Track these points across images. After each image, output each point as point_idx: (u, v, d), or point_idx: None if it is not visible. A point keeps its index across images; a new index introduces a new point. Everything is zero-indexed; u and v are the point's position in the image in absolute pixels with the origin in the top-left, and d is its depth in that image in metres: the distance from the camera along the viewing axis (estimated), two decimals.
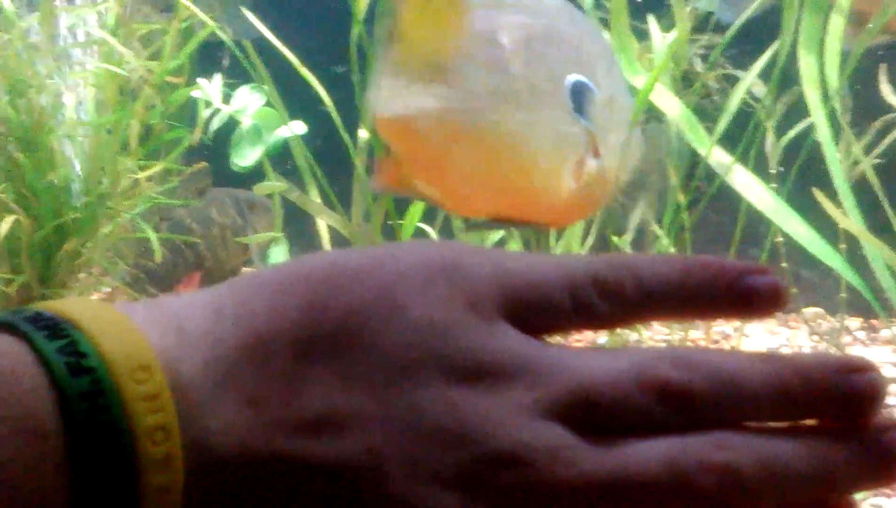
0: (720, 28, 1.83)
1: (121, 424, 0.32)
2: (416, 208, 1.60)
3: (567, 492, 0.34)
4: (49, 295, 1.58)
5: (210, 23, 1.55)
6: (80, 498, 0.32)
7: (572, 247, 1.72)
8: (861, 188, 1.66)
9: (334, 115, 1.54)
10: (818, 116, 1.60)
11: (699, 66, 1.82)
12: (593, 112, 1.17)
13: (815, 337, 1.95)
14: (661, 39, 1.72)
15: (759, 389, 0.35)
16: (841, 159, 1.64)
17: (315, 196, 1.69)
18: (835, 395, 0.36)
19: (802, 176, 1.64)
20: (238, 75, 1.73)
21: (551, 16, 1.20)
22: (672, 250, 1.63)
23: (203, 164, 1.76)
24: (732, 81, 1.78)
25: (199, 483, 0.33)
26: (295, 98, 1.69)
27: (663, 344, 1.84)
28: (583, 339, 1.71)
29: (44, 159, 1.55)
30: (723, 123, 1.64)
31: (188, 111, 1.72)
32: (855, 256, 1.66)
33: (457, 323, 0.35)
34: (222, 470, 0.34)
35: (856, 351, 1.92)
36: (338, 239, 1.69)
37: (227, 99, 1.69)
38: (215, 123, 1.65)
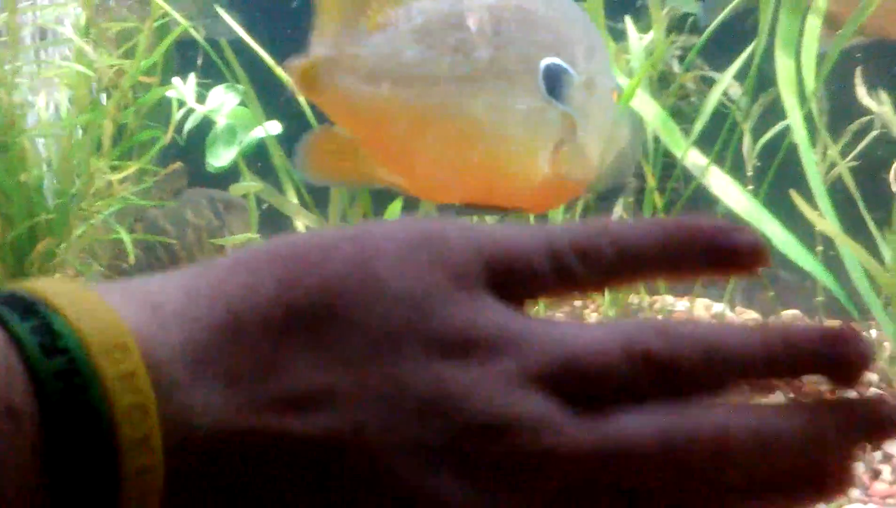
0: (697, 29, 1.83)
1: (98, 404, 0.32)
2: (395, 207, 1.59)
3: (555, 462, 0.33)
4: None
5: (183, 22, 1.53)
6: (58, 480, 0.32)
7: None
8: (837, 190, 1.66)
9: (309, 114, 1.53)
10: (795, 118, 1.60)
11: (676, 67, 1.81)
12: (570, 95, 1.16)
13: None
14: (637, 41, 1.72)
15: (745, 358, 0.35)
16: (817, 162, 1.64)
17: (292, 197, 1.69)
18: (821, 363, 0.35)
19: (779, 178, 1.64)
20: (214, 75, 1.72)
21: None
22: None
23: (178, 164, 1.74)
24: (710, 82, 1.78)
25: (179, 463, 0.33)
26: (271, 97, 1.68)
27: None
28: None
29: (15, 159, 1.53)
30: (699, 125, 1.64)
31: (163, 111, 1.70)
32: (831, 258, 1.67)
33: (438, 295, 0.35)
34: (202, 449, 0.33)
35: None
36: None
37: (202, 99, 1.68)
38: (189, 124, 1.64)
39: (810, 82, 1.63)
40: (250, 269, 0.35)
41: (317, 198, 1.64)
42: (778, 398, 0.37)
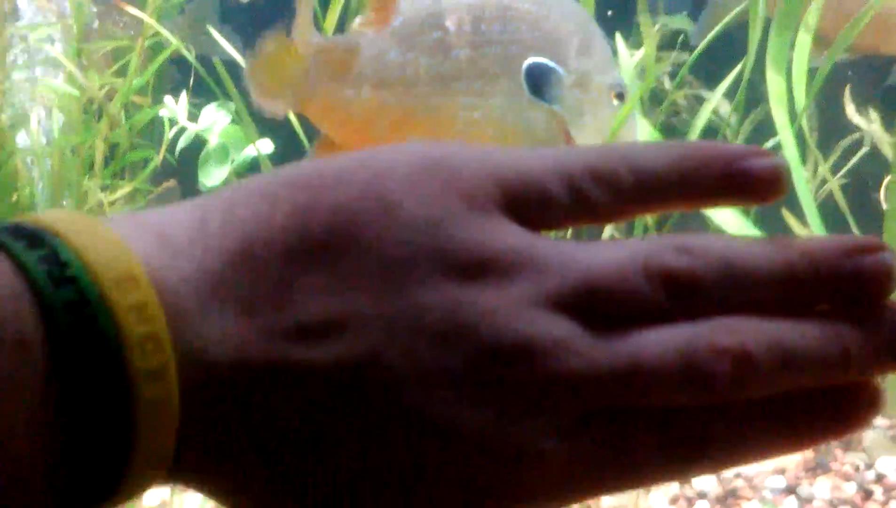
0: (688, 46, 1.84)
1: (109, 335, 0.31)
2: None
3: (575, 385, 0.33)
4: None
5: (174, 41, 1.54)
6: (70, 412, 0.31)
7: None
8: (827, 207, 1.66)
9: (301, 133, 1.53)
10: (785, 135, 1.60)
11: (667, 83, 1.82)
12: (559, 94, 1.15)
13: None
14: (628, 57, 1.72)
15: (766, 272, 0.34)
16: (808, 179, 1.65)
17: None
18: (844, 276, 0.34)
19: None
20: (207, 93, 1.72)
21: None
22: None
23: (171, 182, 1.75)
24: (702, 99, 1.79)
25: (195, 395, 0.32)
26: (264, 115, 1.68)
27: None
28: None
29: (7, 180, 1.54)
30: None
31: (157, 129, 1.71)
32: None
33: (453, 217, 0.34)
34: (219, 381, 0.32)
35: None
36: None
37: (194, 117, 1.68)
38: (182, 142, 1.64)
39: (801, 99, 1.63)
40: (264, 196, 0.34)
41: None
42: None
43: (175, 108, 1.62)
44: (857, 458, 1.48)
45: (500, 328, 0.33)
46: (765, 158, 0.35)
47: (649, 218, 1.61)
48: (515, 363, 0.33)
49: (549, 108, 1.16)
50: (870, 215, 1.66)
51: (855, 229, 1.61)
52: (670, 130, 1.75)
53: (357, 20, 1.22)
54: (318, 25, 1.43)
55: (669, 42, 1.87)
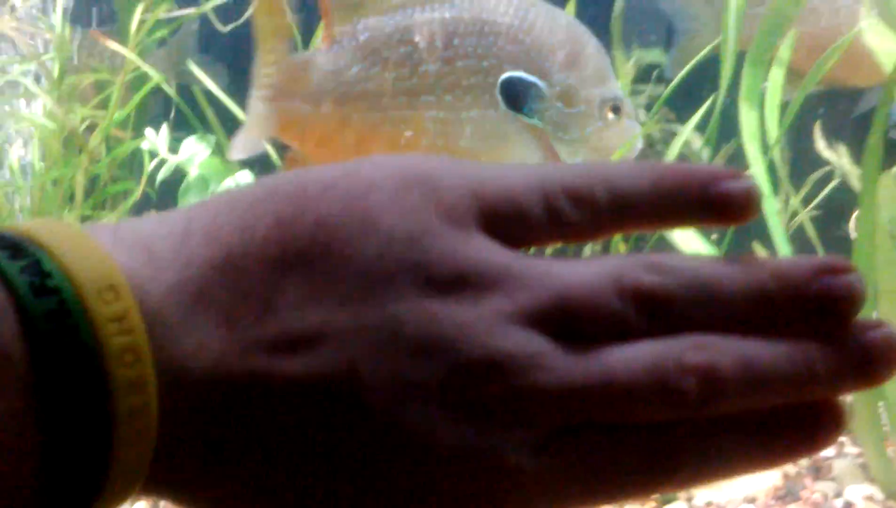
0: (663, 79, 1.87)
1: (89, 345, 0.31)
2: None
3: (548, 399, 0.33)
4: None
5: (155, 76, 1.55)
6: (50, 421, 0.31)
7: None
8: (798, 239, 1.69)
9: (279, 164, 1.55)
10: (757, 169, 1.63)
11: (642, 116, 1.84)
12: (538, 108, 1.15)
13: None
14: None
15: (736, 291, 0.35)
16: (780, 211, 1.67)
17: None
18: (812, 295, 0.35)
19: (742, 227, 1.67)
20: (188, 123, 1.74)
21: (486, 7, 1.16)
22: None
23: (151, 213, 1.76)
24: (677, 131, 1.81)
25: (174, 405, 0.32)
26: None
27: None
28: None
29: None
30: None
31: (137, 161, 1.72)
32: None
33: (432, 232, 0.34)
34: (198, 391, 0.33)
35: None
36: None
37: (175, 148, 1.70)
38: (162, 174, 1.65)
39: (773, 132, 1.66)
40: (247, 206, 0.35)
41: None
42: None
43: (156, 140, 1.63)
44: (826, 486, 1.50)
45: (474, 342, 0.33)
46: (738, 180, 0.36)
47: (622, 247, 1.63)
48: (489, 377, 0.33)
49: (528, 122, 1.15)
50: (840, 245, 1.69)
51: None
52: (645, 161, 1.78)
53: (320, 37, 1.23)
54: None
55: (645, 75, 1.90)
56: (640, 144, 1.24)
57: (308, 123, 1.17)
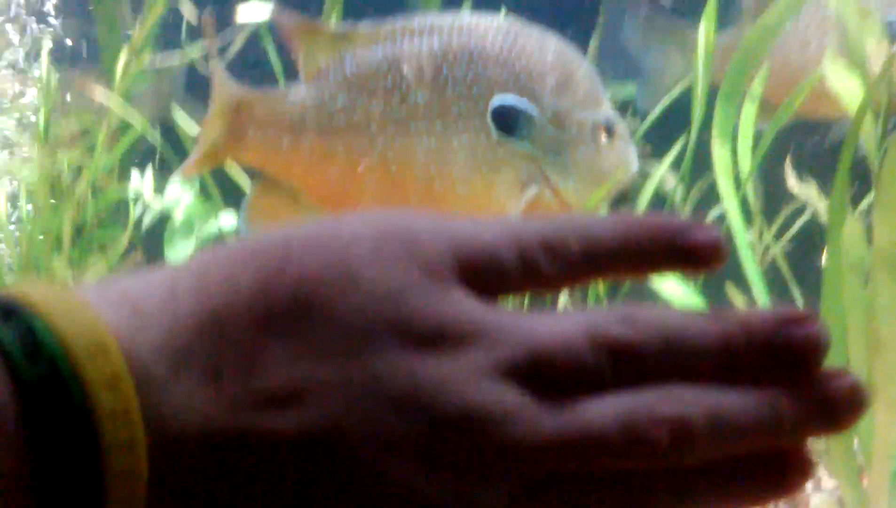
0: (638, 113, 1.90)
1: (81, 409, 0.32)
2: None
3: (524, 452, 0.34)
4: None
5: (138, 127, 1.58)
6: (43, 484, 0.32)
7: None
8: (772, 272, 1.72)
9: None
10: (730, 205, 1.66)
11: None
12: (530, 133, 1.16)
13: None
14: None
15: (705, 343, 0.36)
16: (754, 242, 1.70)
17: None
18: (778, 347, 0.36)
19: None
20: (174, 163, 1.76)
21: (475, 35, 1.18)
22: None
23: (137, 253, 1.79)
24: (652, 162, 1.84)
25: (163, 463, 0.33)
26: (230, 188, 1.72)
27: None
28: None
29: None
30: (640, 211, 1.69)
31: (123, 205, 1.74)
32: None
33: (412, 287, 0.35)
34: (186, 449, 0.34)
35: None
36: None
37: (161, 189, 1.72)
38: (148, 218, 1.68)
39: (746, 167, 1.68)
40: (232, 264, 0.36)
41: None
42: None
43: (141, 185, 1.66)
44: None
45: (452, 397, 0.34)
46: (706, 230, 0.38)
47: (602, 286, 1.66)
48: (467, 431, 0.34)
49: (520, 146, 1.17)
50: (814, 279, 1.72)
51: (797, 295, 1.67)
52: (620, 197, 1.81)
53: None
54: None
55: (620, 111, 1.93)
56: (636, 166, 1.24)
57: (288, 153, 1.18)
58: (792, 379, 0.36)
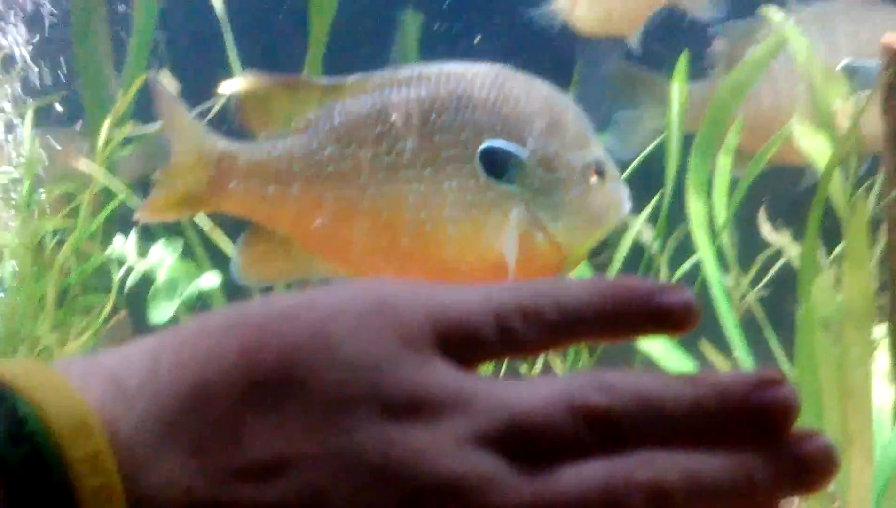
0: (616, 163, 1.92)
1: (63, 489, 0.33)
2: None
3: None
4: None
5: (120, 194, 1.60)
6: None
7: None
8: (748, 320, 1.73)
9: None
10: (706, 256, 1.68)
11: None
12: (519, 176, 1.17)
13: None
14: None
15: (679, 407, 0.37)
16: (730, 290, 1.72)
17: None
18: (750, 409, 0.37)
19: None
20: (158, 225, 1.78)
21: (463, 81, 1.20)
22: None
23: (122, 314, 1.80)
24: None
25: None
26: (213, 247, 1.74)
27: None
28: None
29: None
30: (616, 265, 1.71)
31: (106, 267, 1.76)
32: None
33: (391, 359, 0.36)
34: None
35: None
36: None
37: (144, 251, 1.74)
38: (131, 280, 1.69)
39: (721, 218, 1.71)
40: (213, 336, 0.36)
41: None
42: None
43: (124, 248, 1.68)
44: None
45: (430, 466, 0.35)
46: (678, 293, 0.39)
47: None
48: (447, 499, 0.35)
49: (509, 190, 1.18)
50: (789, 323, 1.74)
51: (774, 342, 1.68)
52: (600, 244, 1.82)
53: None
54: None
55: None
56: (628, 206, 1.26)
57: (276, 202, 1.21)
58: (765, 441, 0.38)
